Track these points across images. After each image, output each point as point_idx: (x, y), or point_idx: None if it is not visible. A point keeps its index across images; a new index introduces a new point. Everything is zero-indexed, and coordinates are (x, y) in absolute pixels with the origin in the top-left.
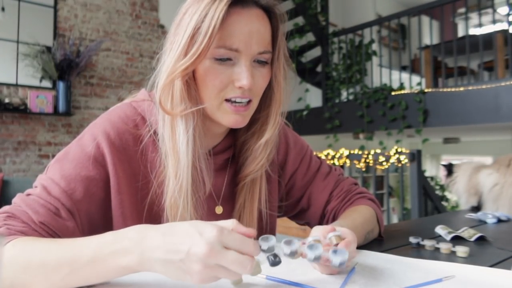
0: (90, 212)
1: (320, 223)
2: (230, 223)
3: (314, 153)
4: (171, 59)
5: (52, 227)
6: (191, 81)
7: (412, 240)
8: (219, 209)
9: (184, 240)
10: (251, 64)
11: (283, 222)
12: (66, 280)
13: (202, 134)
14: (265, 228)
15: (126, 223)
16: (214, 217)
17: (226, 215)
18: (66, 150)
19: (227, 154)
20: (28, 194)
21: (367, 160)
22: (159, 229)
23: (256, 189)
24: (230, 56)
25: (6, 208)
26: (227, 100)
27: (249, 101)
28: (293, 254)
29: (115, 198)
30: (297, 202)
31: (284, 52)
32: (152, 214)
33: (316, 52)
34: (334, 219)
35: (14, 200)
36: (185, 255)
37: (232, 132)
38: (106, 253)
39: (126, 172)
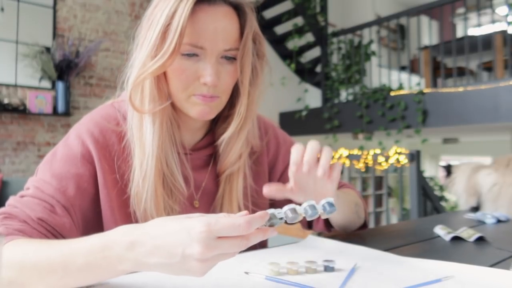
0: (83, 208)
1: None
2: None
3: None
4: (142, 56)
5: (50, 223)
6: (161, 75)
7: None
8: (196, 203)
9: (175, 242)
10: (216, 61)
11: None
12: (62, 282)
13: (176, 127)
14: None
15: (114, 216)
16: (192, 210)
17: (203, 210)
18: (53, 152)
19: (208, 151)
20: (22, 196)
21: (366, 161)
22: (147, 231)
23: (234, 183)
24: (196, 52)
25: (1, 209)
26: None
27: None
28: (295, 213)
29: (102, 192)
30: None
31: (259, 50)
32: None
33: (315, 52)
34: None
35: (8, 202)
36: (181, 257)
37: (214, 129)
38: (99, 258)
39: (111, 167)
